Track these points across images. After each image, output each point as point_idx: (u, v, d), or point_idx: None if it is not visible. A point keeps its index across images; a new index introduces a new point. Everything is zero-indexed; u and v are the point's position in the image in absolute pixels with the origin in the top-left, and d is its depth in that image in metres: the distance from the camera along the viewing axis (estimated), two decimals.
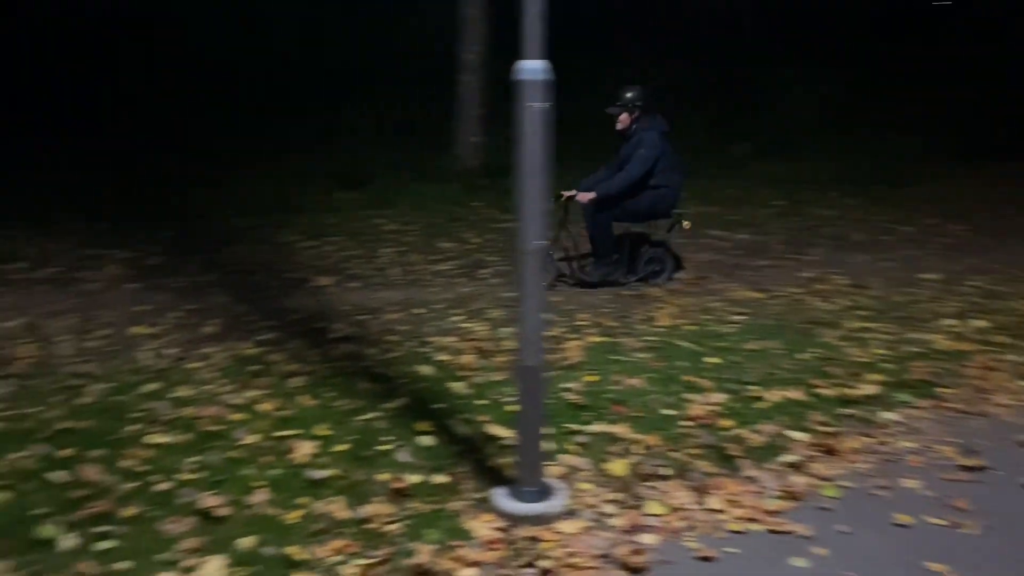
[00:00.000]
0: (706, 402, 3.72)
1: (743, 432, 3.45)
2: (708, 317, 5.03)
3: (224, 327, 4.76)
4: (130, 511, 2.78)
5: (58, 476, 2.99)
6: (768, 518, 2.84)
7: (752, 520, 2.84)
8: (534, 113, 2.62)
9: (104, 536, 2.65)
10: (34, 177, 9.06)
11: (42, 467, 3.06)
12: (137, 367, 4.10)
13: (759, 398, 3.80)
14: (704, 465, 3.20)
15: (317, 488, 2.96)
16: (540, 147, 2.65)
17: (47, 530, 2.66)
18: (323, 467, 3.09)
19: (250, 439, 3.31)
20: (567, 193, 5.84)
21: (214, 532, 2.68)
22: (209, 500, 2.83)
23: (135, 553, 2.56)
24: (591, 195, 5.74)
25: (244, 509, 2.81)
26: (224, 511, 2.78)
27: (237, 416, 3.52)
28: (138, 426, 3.41)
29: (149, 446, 3.24)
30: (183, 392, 3.77)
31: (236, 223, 7.76)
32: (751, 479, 3.11)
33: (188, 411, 3.56)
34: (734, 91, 13.34)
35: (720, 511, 2.89)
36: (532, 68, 2.60)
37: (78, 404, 3.64)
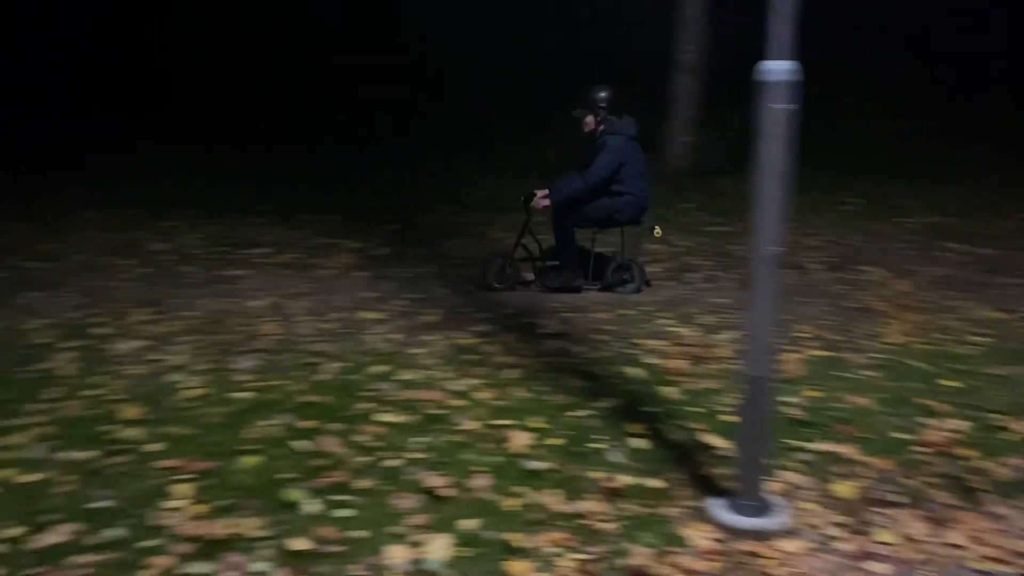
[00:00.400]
0: (943, 428, 3.44)
1: (987, 464, 3.16)
2: (943, 336, 4.64)
3: (442, 317, 4.99)
4: (364, 483, 2.98)
5: (301, 445, 3.26)
6: (1020, 561, 2.58)
7: (1000, 561, 2.59)
8: (777, 115, 2.54)
9: (341, 504, 2.85)
10: (272, 173, 9.99)
11: (288, 435, 3.35)
12: (366, 349, 4.39)
13: (1006, 428, 3.46)
14: (941, 495, 2.96)
15: (533, 479, 3.03)
16: (782, 150, 2.55)
17: (292, 494, 2.91)
18: (539, 459, 3.16)
19: (469, 425, 3.45)
20: (540, 193, 5.60)
21: (439, 511, 2.82)
22: (434, 480, 2.98)
23: (369, 523, 2.74)
24: (546, 202, 5.55)
25: (466, 492, 2.93)
26: (448, 492, 2.91)
27: (457, 402, 3.68)
28: (369, 404, 3.65)
29: (379, 424, 3.46)
30: (407, 375, 4.00)
31: (452, 219, 8.14)
32: (997, 516, 2.84)
33: (412, 394, 3.77)
34: (973, 92, 12.22)
35: (961, 547, 2.66)
36: (777, 69, 2.52)
37: (316, 380, 3.96)
